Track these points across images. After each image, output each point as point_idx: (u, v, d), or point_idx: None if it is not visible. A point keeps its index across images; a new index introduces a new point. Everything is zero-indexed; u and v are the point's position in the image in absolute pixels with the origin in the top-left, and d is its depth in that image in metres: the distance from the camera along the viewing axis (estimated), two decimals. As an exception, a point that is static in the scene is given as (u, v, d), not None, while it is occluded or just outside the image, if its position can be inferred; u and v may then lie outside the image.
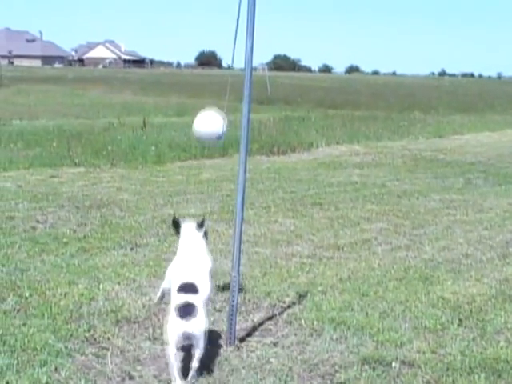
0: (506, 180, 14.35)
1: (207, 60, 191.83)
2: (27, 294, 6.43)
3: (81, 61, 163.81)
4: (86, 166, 14.40)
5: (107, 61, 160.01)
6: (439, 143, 21.84)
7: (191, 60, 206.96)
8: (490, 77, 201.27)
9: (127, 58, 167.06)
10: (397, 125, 26.37)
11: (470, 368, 5.13)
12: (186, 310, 4.74)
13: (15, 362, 4.99)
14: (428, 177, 14.56)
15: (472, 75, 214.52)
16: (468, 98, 51.74)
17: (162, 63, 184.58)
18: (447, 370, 5.10)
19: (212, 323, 5.87)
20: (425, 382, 4.91)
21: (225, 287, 6.51)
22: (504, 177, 14.80)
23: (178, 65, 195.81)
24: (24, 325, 5.69)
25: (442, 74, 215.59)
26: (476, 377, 4.99)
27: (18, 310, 6.05)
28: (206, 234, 5.54)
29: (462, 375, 5.01)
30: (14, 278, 6.93)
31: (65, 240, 8.47)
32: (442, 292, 6.87)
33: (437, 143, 21.82)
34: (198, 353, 4.76)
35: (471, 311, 6.37)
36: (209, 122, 5.57)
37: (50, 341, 5.36)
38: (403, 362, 5.21)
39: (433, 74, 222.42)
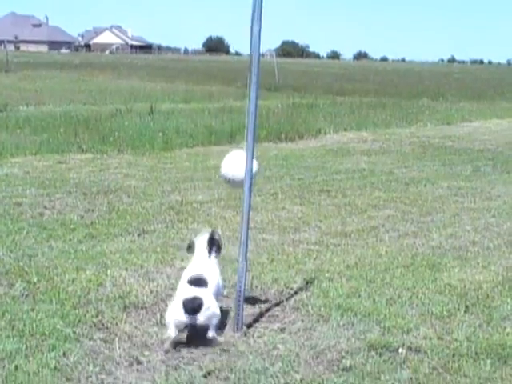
0: (515, 167, 14.30)
1: (215, 46, 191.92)
2: (35, 280, 6.46)
3: (87, 46, 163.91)
4: (93, 153, 14.41)
5: (114, 46, 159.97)
6: (448, 130, 21.77)
7: (199, 46, 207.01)
8: (499, 63, 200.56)
9: (134, 43, 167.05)
10: (405, 112, 26.27)
11: (476, 354, 5.14)
12: (193, 306, 5.05)
13: (24, 346, 5.02)
14: (436, 164, 14.53)
15: (482, 62, 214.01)
16: (477, 84, 51.49)
17: (169, 49, 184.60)
18: (453, 356, 5.11)
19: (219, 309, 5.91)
20: (431, 368, 4.91)
21: (232, 273, 6.53)
22: (512, 164, 14.75)
23: (186, 51, 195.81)
24: (32, 310, 5.72)
25: (452, 60, 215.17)
26: (482, 363, 5.00)
27: (27, 296, 6.08)
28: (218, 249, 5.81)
29: (468, 361, 5.02)
30: (21, 263, 6.96)
31: (72, 226, 8.49)
32: (449, 279, 6.87)
33: (445, 130, 21.75)
34: (213, 324, 5.18)
35: (478, 298, 6.37)
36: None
37: (58, 326, 5.39)
38: (410, 348, 5.22)
39: (442, 60, 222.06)
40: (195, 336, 5.15)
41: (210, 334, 5.16)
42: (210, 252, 5.68)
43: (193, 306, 5.03)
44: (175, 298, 5.26)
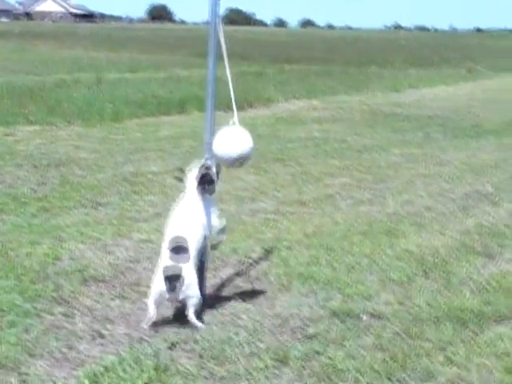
0: (464, 133, 14.50)
1: (158, 14, 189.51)
2: (-11, 255, 6.33)
3: (28, 15, 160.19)
4: (41, 124, 14.09)
5: (58, 15, 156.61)
6: (396, 97, 21.92)
7: (141, 14, 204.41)
8: (443, 30, 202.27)
9: (75, 11, 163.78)
10: (354, 79, 26.36)
11: (437, 318, 5.20)
12: (174, 283, 4.88)
13: (-18, 323, 4.93)
14: (387, 131, 14.62)
15: (425, 28, 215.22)
16: (424, 51, 51.87)
17: (112, 18, 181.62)
18: (415, 320, 5.17)
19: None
20: (394, 334, 4.95)
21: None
22: (461, 130, 14.94)
23: (130, 19, 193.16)
24: (-11, 286, 5.60)
25: (398, 27, 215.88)
26: (443, 327, 5.06)
27: (-18, 271, 5.96)
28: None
29: (429, 325, 5.08)
30: (-26, 238, 6.81)
31: (24, 200, 8.32)
32: (407, 245, 6.93)
33: (394, 97, 21.89)
34: (191, 303, 4.94)
35: (435, 263, 6.44)
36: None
37: (17, 302, 5.28)
38: (372, 315, 5.25)
39: (388, 27, 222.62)
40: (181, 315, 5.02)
41: (188, 313, 4.94)
42: (201, 192, 5.46)
43: (172, 281, 4.87)
44: (158, 265, 5.04)
